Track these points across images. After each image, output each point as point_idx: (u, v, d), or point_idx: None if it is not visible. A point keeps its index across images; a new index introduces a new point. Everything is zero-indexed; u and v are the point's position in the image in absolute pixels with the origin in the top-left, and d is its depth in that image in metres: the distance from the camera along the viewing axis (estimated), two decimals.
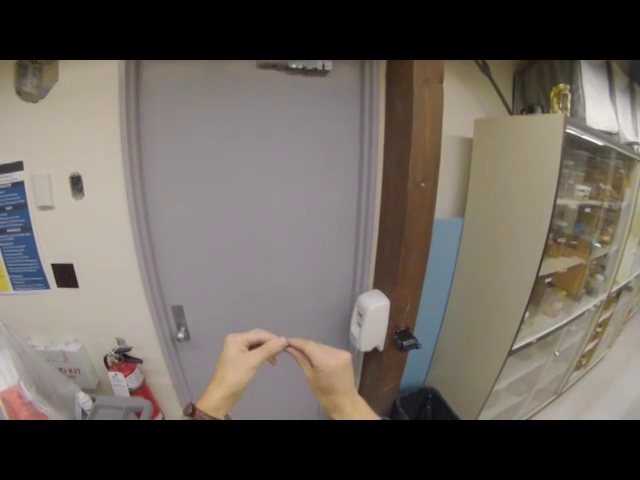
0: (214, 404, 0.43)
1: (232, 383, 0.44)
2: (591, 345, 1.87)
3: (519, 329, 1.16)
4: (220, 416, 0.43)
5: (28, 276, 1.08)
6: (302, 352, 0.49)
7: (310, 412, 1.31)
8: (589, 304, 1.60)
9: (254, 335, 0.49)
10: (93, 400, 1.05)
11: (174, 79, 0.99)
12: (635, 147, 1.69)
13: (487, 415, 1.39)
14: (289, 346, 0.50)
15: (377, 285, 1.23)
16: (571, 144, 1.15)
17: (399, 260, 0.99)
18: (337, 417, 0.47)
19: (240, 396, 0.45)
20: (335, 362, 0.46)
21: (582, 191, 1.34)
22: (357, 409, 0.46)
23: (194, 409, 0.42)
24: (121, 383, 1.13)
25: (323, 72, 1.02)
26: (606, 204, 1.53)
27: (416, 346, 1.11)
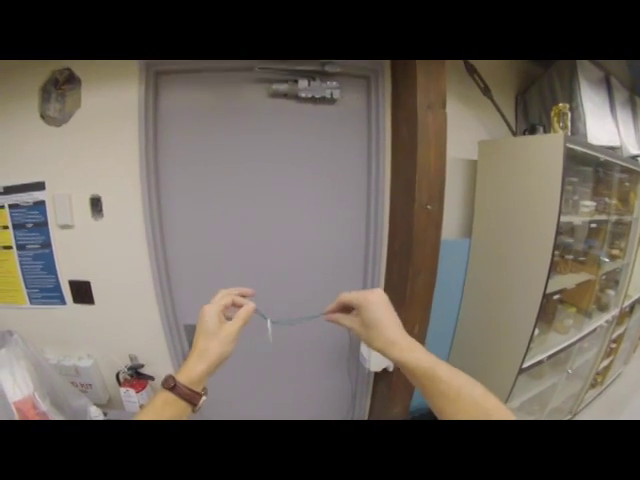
0: (196, 378, 0.41)
1: (216, 357, 0.42)
2: (606, 362, 1.82)
3: (528, 347, 1.15)
4: (199, 389, 0.42)
5: (45, 291, 1.11)
6: (336, 311, 0.48)
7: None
8: (601, 320, 1.57)
9: (227, 298, 0.47)
10: (105, 414, 1.06)
11: (190, 106, 1.06)
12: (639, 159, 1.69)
13: None
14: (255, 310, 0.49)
15: None
16: (574, 161, 1.17)
17: (407, 282, 1.01)
18: (397, 355, 0.42)
19: (220, 367, 0.44)
20: (372, 295, 0.45)
21: (587, 207, 1.34)
22: (414, 347, 0.42)
23: (175, 383, 0.40)
24: (132, 399, 1.14)
25: (331, 100, 1.07)
26: (613, 218, 1.53)
27: None
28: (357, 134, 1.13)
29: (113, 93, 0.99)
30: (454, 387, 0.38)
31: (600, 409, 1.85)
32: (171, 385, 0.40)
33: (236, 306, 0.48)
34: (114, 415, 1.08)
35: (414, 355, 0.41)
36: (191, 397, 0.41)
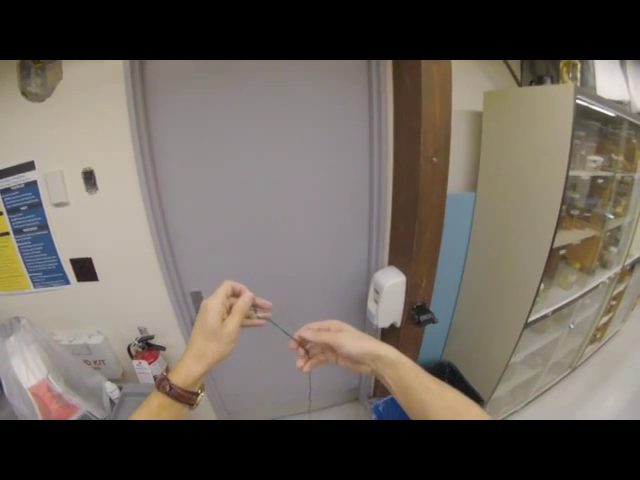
0: (193, 380, 0.40)
1: (215, 358, 0.41)
2: (605, 318, 1.87)
3: (534, 302, 1.17)
4: (196, 388, 0.41)
5: (48, 273, 1.10)
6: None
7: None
8: (603, 277, 1.59)
9: (226, 287, 0.45)
10: (120, 389, 1.09)
11: (179, 67, 0.99)
12: None
13: (504, 388, 1.41)
14: (256, 306, 0.48)
15: (392, 262, 1.24)
16: (582, 114, 1.13)
17: (414, 236, 1.00)
18: (389, 370, 0.43)
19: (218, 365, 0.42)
20: (336, 322, 0.47)
21: (594, 162, 1.32)
22: (400, 356, 0.44)
23: (171, 386, 0.39)
24: (145, 371, 1.16)
25: None
26: (619, 175, 1.50)
27: (433, 321, 1.12)
28: (358, 85, 1.08)
29: (96, 61, 0.92)
30: (416, 371, 0.43)
31: (599, 364, 1.91)
32: (167, 389, 0.39)
33: (235, 295, 0.46)
34: (129, 388, 1.10)
35: (384, 348, 0.45)
36: (188, 398, 0.40)
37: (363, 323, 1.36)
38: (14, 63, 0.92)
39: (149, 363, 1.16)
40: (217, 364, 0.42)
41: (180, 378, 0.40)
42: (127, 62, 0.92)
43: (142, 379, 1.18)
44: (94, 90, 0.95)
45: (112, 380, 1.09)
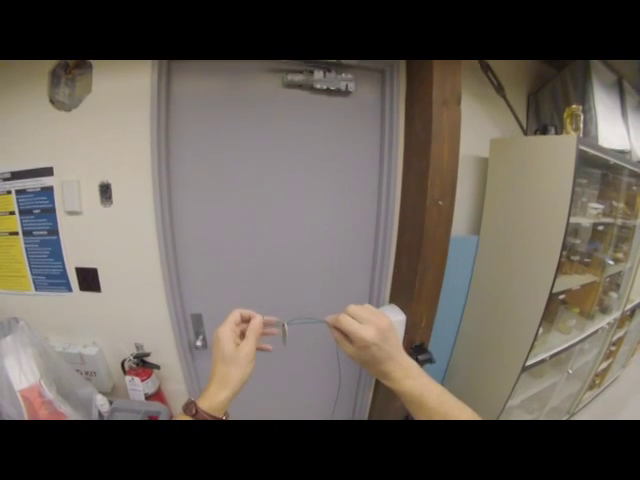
0: (219, 405, 0.41)
1: (238, 381, 0.42)
2: (605, 364, 1.84)
3: (532, 345, 1.16)
4: (221, 414, 0.42)
5: (51, 278, 1.10)
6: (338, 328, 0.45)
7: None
8: (602, 322, 1.59)
9: (235, 315, 0.47)
10: (110, 403, 1.06)
11: (204, 94, 1.04)
12: None
13: None
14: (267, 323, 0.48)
15: (393, 300, 1.24)
16: (584, 162, 1.17)
17: (416, 276, 1.01)
18: (389, 385, 0.43)
19: (242, 389, 0.43)
20: (371, 335, 0.41)
21: (595, 209, 1.35)
22: (408, 375, 0.43)
23: (197, 410, 0.40)
24: (137, 388, 1.14)
25: (346, 92, 1.06)
26: (619, 221, 1.53)
27: (431, 361, 1.11)
28: (370, 127, 1.12)
29: (124, 79, 0.97)
30: (441, 413, 0.41)
31: (597, 410, 1.87)
32: (193, 412, 0.40)
33: (244, 321, 0.48)
34: (120, 404, 1.08)
35: (405, 383, 0.42)
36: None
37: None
38: (46, 70, 0.96)
39: (142, 380, 1.14)
40: (241, 387, 0.43)
41: (206, 403, 0.41)
42: (155, 81, 0.96)
43: (133, 395, 1.16)
44: (120, 107, 0.98)
45: (102, 393, 1.07)
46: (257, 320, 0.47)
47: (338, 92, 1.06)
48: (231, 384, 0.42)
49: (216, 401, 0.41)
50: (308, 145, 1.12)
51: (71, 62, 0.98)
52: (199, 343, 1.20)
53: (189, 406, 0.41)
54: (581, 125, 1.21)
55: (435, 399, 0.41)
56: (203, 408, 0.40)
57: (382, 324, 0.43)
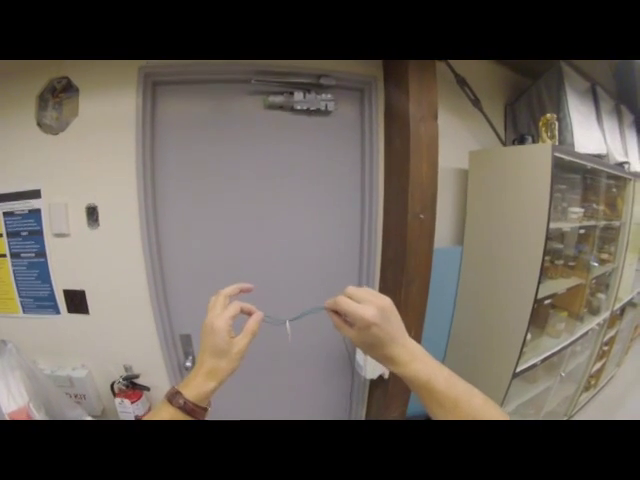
0: (205, 396, 0.41)
1: (225, 375, 0.42)
2: (598, 365, 1.85)
3: (522, 351, 1.17)
4: (205, 404, 0.42)
5: (39, 300, 1.10)
6: (336, 312, 0.44)
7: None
8: (592, 323, 1.61)
9: (234, 308, 0.45)
10: None
11: (188, 117, 1.07)
12: (626, 166, 1.75)
13: None
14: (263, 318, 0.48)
15: None
16: (562, 169, 1.21)
17: (401, 289, 1.03)
18: (395, 370, 0.41)
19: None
20: (371, 313, 0.39)
21: (575, 213, 1.38)
22: (414, 357, 0.41)
23: (185, 400, 0.40)
24: (127, 410, 1.13)
25: (326, 112, 1.10)
26: (602, 223, 1.57)
27: None
28: (351, 145, 1.16)
29: (110, 102, 0.99)
30: (451, 398, 0.39)
31: (595, 411, 1.87)
32: (180, 403, 0.40)
33: (244, 313, 0.47)
34: None
35: (412, 367, 0.40)
36: (199, 413, 0.41)
37: (351, 374, 1.34)
38: (34, 94, 0.98)
39: (132, 402, 1.13)
40: (227, 379, 0.43)
41: (193, 393, 0.40)
42: (140, 105, 0.98)
43: (123, 417, 1.15)
44: (106, 130, 1.00)
45: (92, 416, 1.06)
46: (257, 317, 0.47)
47: (318, 112, 1.09)
48: (219, 376, 0.42)
49: (203, 391, 0.41)
50: (291, 164, 1.14)
51: (58, 86, 1.00)
52: (189, 364, 1.20)
53: (175, 396, 0.40)
54: (556, 133, 1.26)
55: (443, 383, 0.39)
56: (189, 398, 0.40)
57: (382, 303, 0.41)
